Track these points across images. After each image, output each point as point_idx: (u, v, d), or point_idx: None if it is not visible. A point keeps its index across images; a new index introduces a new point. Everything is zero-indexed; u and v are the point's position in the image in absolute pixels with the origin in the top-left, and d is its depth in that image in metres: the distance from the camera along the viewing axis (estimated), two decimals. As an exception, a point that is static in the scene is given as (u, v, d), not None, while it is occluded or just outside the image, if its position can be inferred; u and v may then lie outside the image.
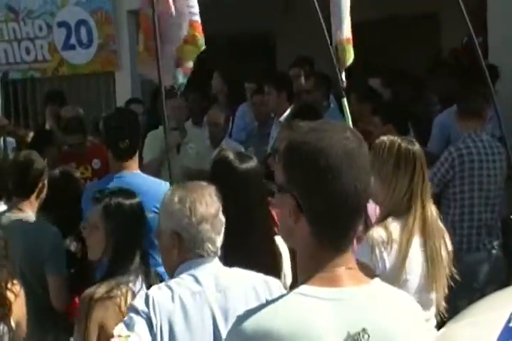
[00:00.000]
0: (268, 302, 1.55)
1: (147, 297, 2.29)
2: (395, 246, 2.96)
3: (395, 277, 2.91)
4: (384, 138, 3.11)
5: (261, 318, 1.50)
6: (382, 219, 3.04)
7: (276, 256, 2.96)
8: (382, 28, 8.14)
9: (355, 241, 1.73)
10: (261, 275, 2.45)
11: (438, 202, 4.90)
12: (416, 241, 3.00)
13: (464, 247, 4.73)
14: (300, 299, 1.51)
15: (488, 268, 4.74)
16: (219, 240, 2.41)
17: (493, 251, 4.79)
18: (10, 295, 2.82)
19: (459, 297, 3.89)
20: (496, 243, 4.81)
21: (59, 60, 8.46)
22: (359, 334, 1.51)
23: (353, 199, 1.53)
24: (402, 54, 8.01)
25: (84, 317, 2.74)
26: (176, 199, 2.39)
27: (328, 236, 1.55)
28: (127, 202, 3.04)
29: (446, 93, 6.02)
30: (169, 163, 4.15)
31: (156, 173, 4.75)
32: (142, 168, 4.26)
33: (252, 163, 3.03)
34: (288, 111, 6.04)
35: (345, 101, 3.99)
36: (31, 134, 6.61)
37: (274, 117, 6.26)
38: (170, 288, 2.33)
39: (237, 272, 2.46)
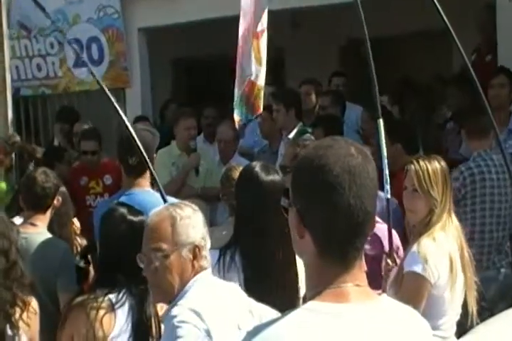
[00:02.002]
0: (276, 319, 1.55)
1: (198, 313, 2.28)
2: (445, 256, 3.16)
3: (448, 285, 3.14)
4: (419, 161, 3.31)
5: (270, 334, 1.51)
6: (426, 232, 3.21)
7: (293, 272, 2.99)
8: (394, 44, 8.16)
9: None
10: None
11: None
12: (455, 250, 3.21)
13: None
14: (308, 315, 1.52)
15: (497, 286, 4.72)
16: None
17: (502, 270, 4.77)
18: (30, 315, 2.85)
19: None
20: (504, 261, 4.79)
21: (70, 77, 8.52)
22: None
23: (355, 216, 1.53)
24: (414, 70, 8.02)
25: (61, 325, 2.89)
26: (192, 212, 2.48)
27: (331, 251, 1.56)
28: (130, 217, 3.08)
29: (460, 109, 6.02)
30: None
31: (174, 194, 4.76)
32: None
33: (277, 176, 3.11)
34: (296, 129, 6.06)
35: (381, 121, 3.93)
36: (39, 150, 6.65)
37: (282, 134, 6.28)
38: (200, 305, 2.34)
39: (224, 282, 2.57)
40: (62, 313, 3.00)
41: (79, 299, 2.92)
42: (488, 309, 4.44)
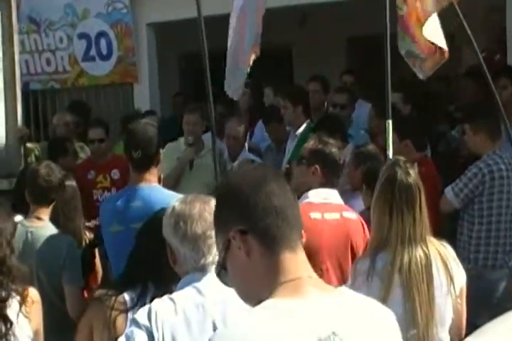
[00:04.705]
0: (237, 320, 1.60)
1: (150, 310, 2.29)
2: (376, 279, 2.87)
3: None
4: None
5: (236, 334, 1.54)
6: (370, 251, 2.96)
7: None
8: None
9: None
10: None
11: (455, 217, 4.87)
12: (396, 283, 2.86)
13: (489, 264, 4.70)
14: (269, 312, 1.55)
15: (508, 284, 4.70)
16: (214, 253, 2.38)
17: (512, 269, 4.75)
18: (29, 305, 2.85)
19: (480, 314, 3.85)
20: (512, 261, 4.78)
21: (79, 71, 8.55)
22: (329, 337, 1.55)
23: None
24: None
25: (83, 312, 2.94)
26: (172, 215, 2.41)
27: (277, 241, 1.63)
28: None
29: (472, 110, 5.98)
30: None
31: (174, 186, 4.76)
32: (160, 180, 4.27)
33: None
34: (304, 125, 6.06)
35: (390, 122, 3.89)
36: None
37: (289, 131, 6.27)
38: (173, 300, 2.34)
39: None
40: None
41: (98, 292, 2.91)
42: (499, 306, 4.44)
